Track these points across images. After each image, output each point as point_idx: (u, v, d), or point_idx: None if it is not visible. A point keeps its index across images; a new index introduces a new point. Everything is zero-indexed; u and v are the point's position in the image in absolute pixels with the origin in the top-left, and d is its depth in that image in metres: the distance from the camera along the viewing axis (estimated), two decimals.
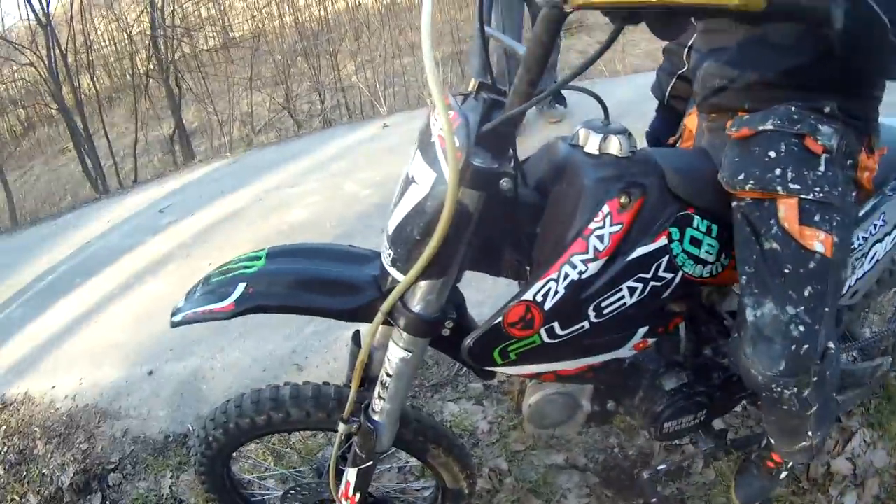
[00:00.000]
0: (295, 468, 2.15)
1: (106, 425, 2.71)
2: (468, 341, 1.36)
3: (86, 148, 9.75)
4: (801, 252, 1.28)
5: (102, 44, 12.79)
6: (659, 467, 1.86)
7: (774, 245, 1.30)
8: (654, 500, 1.88)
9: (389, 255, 1.30)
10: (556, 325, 1.33)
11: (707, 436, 1.82)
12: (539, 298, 1.30)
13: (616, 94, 5.03)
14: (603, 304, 1.33)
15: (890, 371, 2.29)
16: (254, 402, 1.56)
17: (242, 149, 7.34)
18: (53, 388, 3.02)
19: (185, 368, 2.95)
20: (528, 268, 1.39)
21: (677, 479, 2.14)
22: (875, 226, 1.66)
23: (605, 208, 1.27)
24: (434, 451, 1.68)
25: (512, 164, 1.22)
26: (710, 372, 1.67)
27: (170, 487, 2.35)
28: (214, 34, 12.92)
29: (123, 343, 3.26)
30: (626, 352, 1.46)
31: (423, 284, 1.28)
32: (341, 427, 1.50)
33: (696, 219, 1.36)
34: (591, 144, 1.32)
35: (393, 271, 1.29)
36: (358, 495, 1.63)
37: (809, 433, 1.53)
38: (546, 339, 1.35)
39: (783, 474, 1.93)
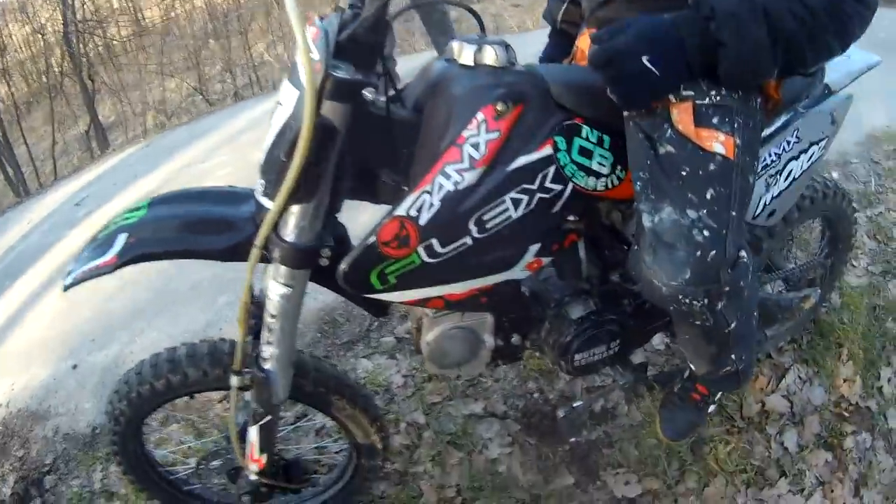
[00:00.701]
0: (212, 439, 2.08)
1: (38, 427, 2.61)
2: (342, 266, 1.29)
3: (5, 156, 9.52)
4: (700, 153, 1.22)
5: (17, 49, 12.49)
6: (575, 405, 1.82)
7: (669, 148, 1.24)
8: (573, 440, 1.84)
9: (262, 185, 1.24)
10: (434, 242, 1.27)
11: (625, 369, 1.77)
12: (413, 213, 1.24)
13: (527, 48, 5.01)
14: (485, 218, 1.27)
15: (820, 305, 2.29)
16: (153, 365, 1.53)
17: (155, 132, 7.23)
18: None
19: (106, 356, 2.87)
20: (406, 188, 1.32)
21: (603, 421, 2.11)
22: (788, 142, 1.63)
23: (480, 115, 1.22)
24: (338, 402, 1.62)
25: (379, 77, 1.17)
26: (619, 298, 1.63)
27: (101, 481, 2.27)
28: (126, 23, 12.68)
29: (48, 340, 3.14)
30: (518, 272, 1.40)
31: (294, 211, 1.22)
32: (234, 380, 1.42)
33: (585, 129, 1.31)
34: (466, 56, 1.27)
35: (265, 201, 1.23)
36: (264, 456, 1.56)
37: (733, 356, 1.48)
38: (426, 258, 1.29)
39: (711, 407, 1.85)
